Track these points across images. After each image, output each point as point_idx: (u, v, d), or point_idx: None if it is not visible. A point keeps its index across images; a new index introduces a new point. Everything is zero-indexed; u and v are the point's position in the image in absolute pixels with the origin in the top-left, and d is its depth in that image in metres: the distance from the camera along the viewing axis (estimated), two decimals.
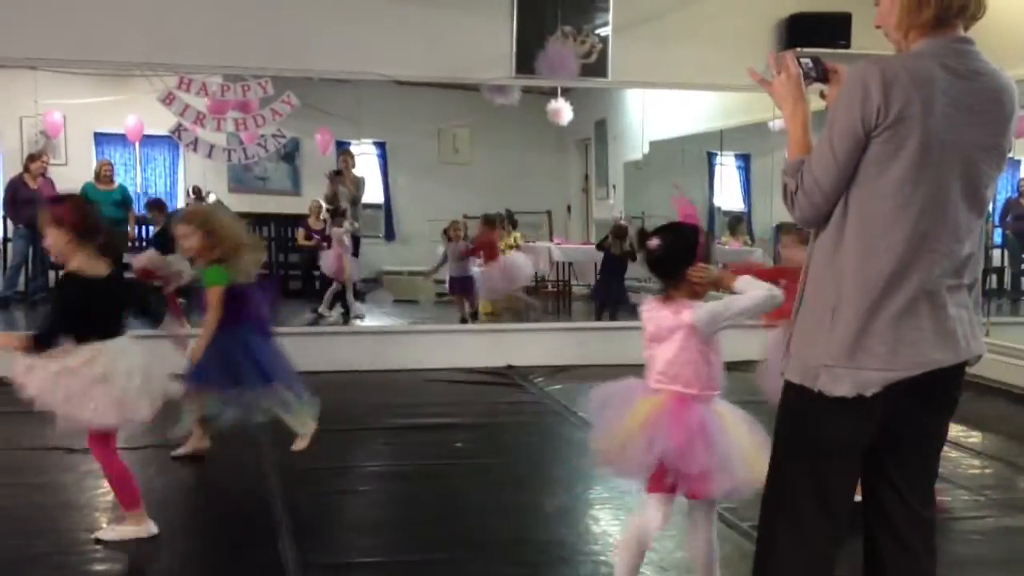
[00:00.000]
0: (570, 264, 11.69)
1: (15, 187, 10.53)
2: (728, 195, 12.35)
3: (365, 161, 13.64)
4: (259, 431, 5.68)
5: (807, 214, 2.34)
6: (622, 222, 10.44)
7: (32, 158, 10.74)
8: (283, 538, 3.96)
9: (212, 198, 11.77)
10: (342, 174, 10.56)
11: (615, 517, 4.32)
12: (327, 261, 9.85)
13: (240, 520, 4.31)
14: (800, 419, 2.41)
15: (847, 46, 7.77)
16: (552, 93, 8.38)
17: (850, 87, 2.25)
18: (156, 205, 10.77)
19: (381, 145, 13.64)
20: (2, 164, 12.12)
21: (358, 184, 10.72)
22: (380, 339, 8.43)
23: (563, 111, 8.32)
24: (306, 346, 7.83)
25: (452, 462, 5.33)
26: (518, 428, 6.17)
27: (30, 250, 10.64)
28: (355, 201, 10.63)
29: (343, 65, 7.65)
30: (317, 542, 3.96)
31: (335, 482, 4.90)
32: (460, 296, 9.68)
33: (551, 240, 12.41)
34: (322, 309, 9.70)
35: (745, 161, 12.09)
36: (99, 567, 3.73)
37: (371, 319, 10.07)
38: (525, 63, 7.58)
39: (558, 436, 5.97)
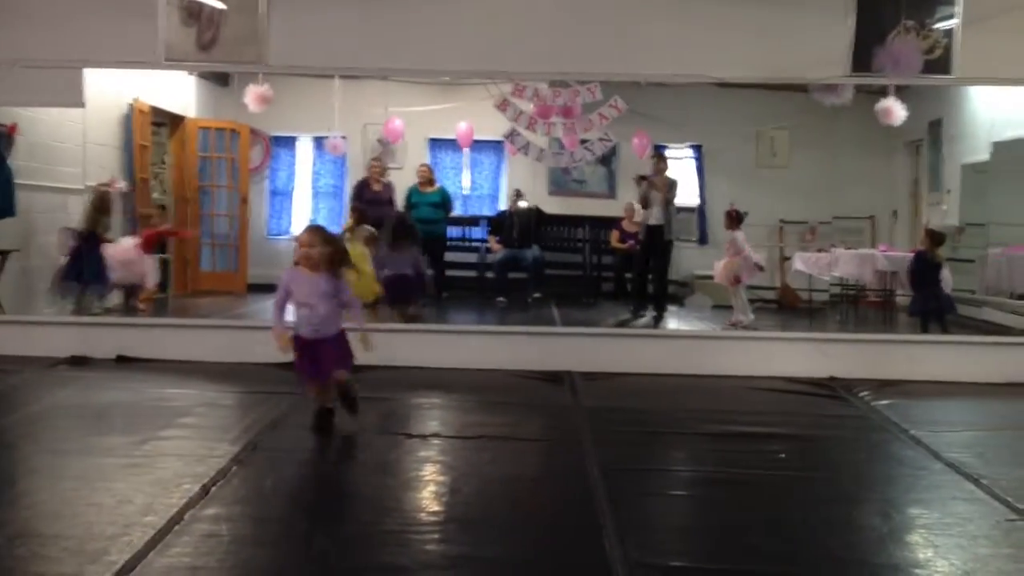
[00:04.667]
0: (894, 273, 11.05)
1: (360, 189, 11.45)
2: None
3: (681, 164, 13.63)
4: (580, 429, 5.88)
5: None
6: (935, 228, 9.73)
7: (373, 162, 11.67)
8: (607, 536, 4.01)
9: (523, 203, 12.21)
10: (647, 178, 10.61)
11: (956, 544, 4.02)
12: (717, 267, 9.93)
13: (563, 515, 4.42)
14: None
15: None
16: (881, 92, 7.94)
17: None
18: None
19: (698, 148, 13.55)
20: (348, 168, 13.24)
21: (670, 187, 10.74)
22: (695, 343, 8.36)
23: (895, 110, 7.83)
24: (620, 348, 7.98)
25: (774, 472, 5.17)
26: (843, 443, 5.89)
27: None
28: (667, 203, 10.65)
29: (671, 68, 7.68)
30: (641, 542, 3.96)
31: (657, 483, 4.90)
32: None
33: (875, 247, 11.78)
34: (738, 317, 9.64)
35: None
36: (437, 547, 3.92)
37: (686, 323, 10.03)
38: (862, 61, 7.25)
39: (887, 453, 5.65)
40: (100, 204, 9.07)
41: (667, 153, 13.19)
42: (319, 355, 5.27)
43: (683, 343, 8.33)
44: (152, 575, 3.47)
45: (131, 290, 9.51)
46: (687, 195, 13.23)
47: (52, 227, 9.29)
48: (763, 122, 13.18)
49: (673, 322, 10.35)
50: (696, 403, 6.74)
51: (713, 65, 7.55)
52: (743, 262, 9.70)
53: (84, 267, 8.91)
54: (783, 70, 7.75)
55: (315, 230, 5.44)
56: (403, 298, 8.98)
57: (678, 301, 10.67)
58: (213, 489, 4.35)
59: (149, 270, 9.57)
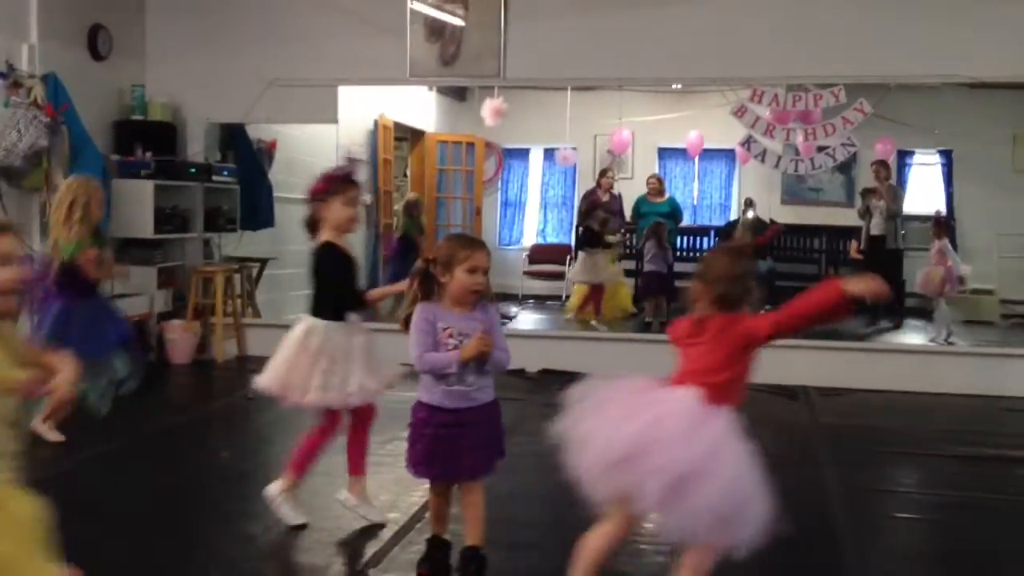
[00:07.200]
0: None
1: (589, 199, 11.53)
2: None
3: (927, 171, 12.92)
4: (817, 446, 5.67)
5: None
6: None
7: (602, 173, 11.72)
8: (849, 559, 3.86)
9: (750, 213, 11.89)
10: (875, 191, 10.17)
11: None
12: (919, 276, 9.48)
13: (799, 534, 4.25)
14: None
15: None
16: None
17: None
18: None
19: (946, 153, 12.77)
20: (577, 179, 13.38)
21: (894, 195, 10.20)
22: (939, 359, 7.87)
23: None
24: (860, 362, 7.64)
25: None
26: None
27: None
28: (892, 215, 10.14)
29: (920, 69, 7.31)
30: (886, 568, 3.81)
31: (902, 506, 4.68)
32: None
33: None
34: (937, 339, 9.18)
35: None
36: (668, 559, 3.89)
37: (924, 339, 9.49)
38: None
39: None
40: (410, 210, 9.65)
41: (914, 159, 12.56)
42: (467, 439, 3.39)
43: (926, 359, 7.88)
44: (397, 569, 3.63)
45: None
46: (935, 203, 12.48)
47: (305, 237, 9.89)
48: (1022, 124, 12.26)
49: (916, 337, 9.81)
50: (942, 423, 6.38)
51: (967, 64, 7.11)
52: (946, 272, 9.08)
53: (403, 271, 9.54)
54: None
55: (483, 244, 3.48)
56: (657, 291, 9.95)
57: (926, 315, 10.08)
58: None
59: None
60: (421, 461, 3.41)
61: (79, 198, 5.19)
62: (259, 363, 7.75)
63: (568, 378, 7.36)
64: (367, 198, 10.56)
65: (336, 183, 4.04)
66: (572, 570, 3.05)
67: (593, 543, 3.05)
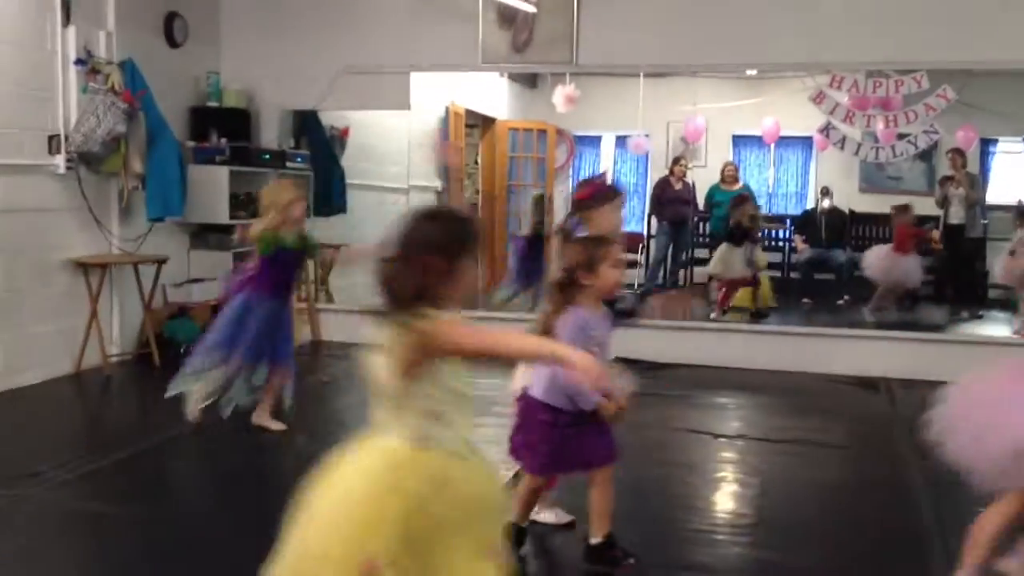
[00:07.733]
0: None
1: (661, 187, 11.43)
2: None
3: (1012, 160, 12.53)
4: (899, 439, 5.53)
5: None
6: None
7: (675, 161, 11.59)
8: (933, 553, 3.76)
9: (827, 202, 11.65)
10: (952, 179, 9.89)
11: None
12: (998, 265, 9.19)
13: (881, 526, 4.18)
14: None
15: None
16: None
17: None
18: None
19: None
20: (650, 166, 13.25)
21: (972, 183, 9.88)
22: (1019, 352, 7.61)
23: None
24: (944, 354, 7.41)
25: None
26: None
27: (670, 246, 11.50)
28: (972, 203, 9.82)
29: (1008, 54, 7.00)
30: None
31: (984, 498, 4.51)
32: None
33: None
34: (1021, 330, 8.83)
35: None
36: (747, 551, 3.83)
37: (1006, 330, 9.20)
38: None
39: None
40: (539, 207, 9.55)
41: (998, 147, 12.19)
42: (589, 432, 3.44)
43: (1008, 351, 7.60)
44: None
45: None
46: (1020, 192, 12.10)
47: (376, 223, 9.95)
48: None
49: (998, 329, 9.51)
50: None
51: None
52: None
53: (529, 269, 9.41)
54: None
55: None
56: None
57: (1009, 307, 9.77)
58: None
59: (913, 271, 9.57)
60: (549, 463, 3.49)
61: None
62: (333, 348, 7.92)
63: (644, 367, 7.35)
64: (439, 184, 10.58)
65: (604, 190, 3.94)
66: (966, 550, 3.11)
67: (990, 521, 3.09)
